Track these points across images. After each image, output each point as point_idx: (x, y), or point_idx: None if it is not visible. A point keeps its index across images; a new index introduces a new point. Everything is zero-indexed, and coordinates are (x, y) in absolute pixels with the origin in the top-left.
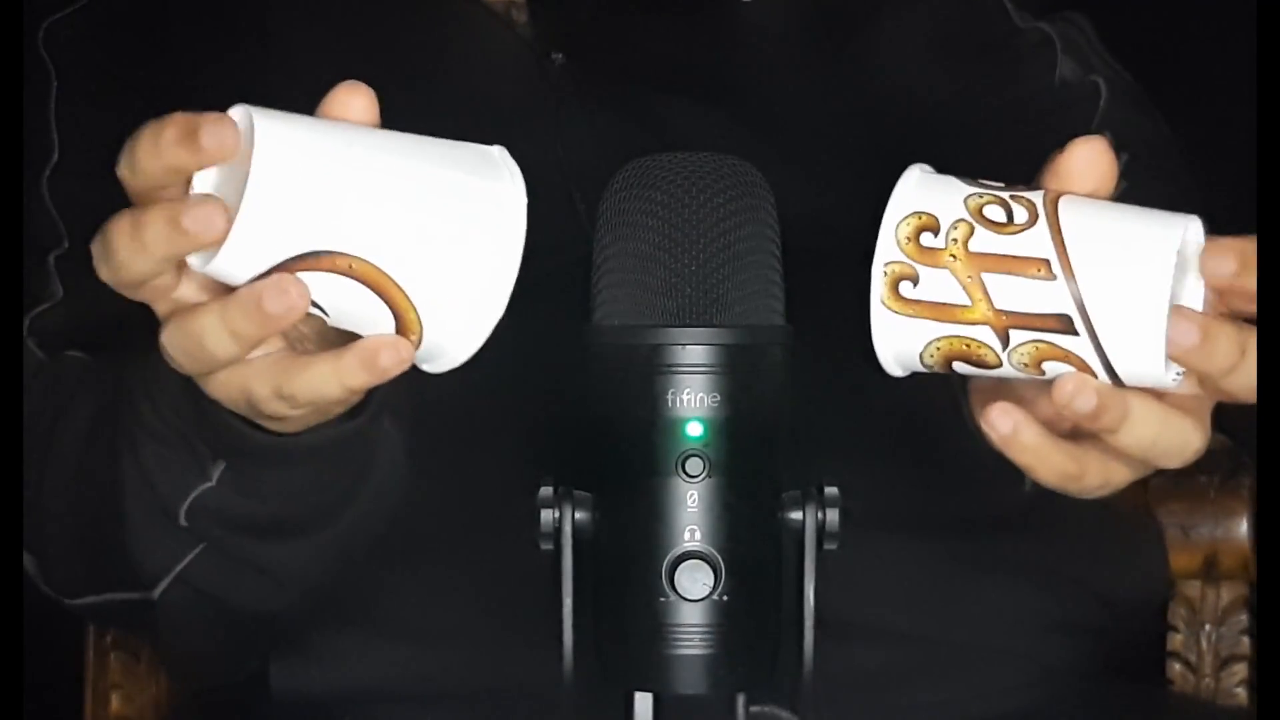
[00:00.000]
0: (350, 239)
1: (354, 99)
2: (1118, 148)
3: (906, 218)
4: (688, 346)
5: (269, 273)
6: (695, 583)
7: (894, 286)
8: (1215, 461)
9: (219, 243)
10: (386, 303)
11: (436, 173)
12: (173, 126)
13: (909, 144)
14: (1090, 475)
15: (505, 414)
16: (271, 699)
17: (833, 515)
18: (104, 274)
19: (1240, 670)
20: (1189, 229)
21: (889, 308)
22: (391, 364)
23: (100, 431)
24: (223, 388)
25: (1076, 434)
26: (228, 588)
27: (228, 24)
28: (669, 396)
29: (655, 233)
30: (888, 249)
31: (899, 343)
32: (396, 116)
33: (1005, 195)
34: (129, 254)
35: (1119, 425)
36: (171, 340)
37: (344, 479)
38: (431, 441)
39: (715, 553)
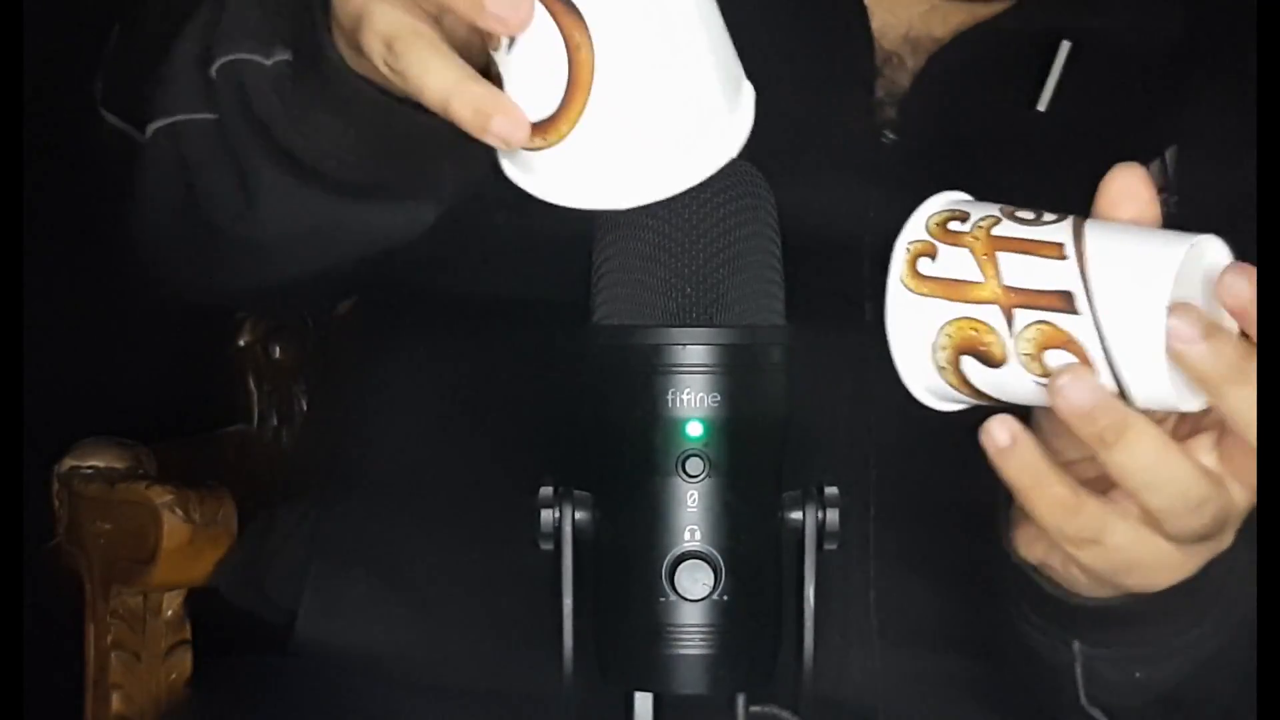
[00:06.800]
0: (600, 10)
1: None
2: None
3: (941, 210)
4: (688, 346)
5: None
6: (695, 583)
7: (913, 263)
8: None
9: None
10: (571, 70)
11: (717, 36)
12: None
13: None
14: (1086, 515)
15: (506, 414)
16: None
17: (833, 515)
18: None
19: None
20: (1211, 245)
21: (906, 285)
22: (502, 132)
23: None
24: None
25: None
26: (206, 172)
27: None
28: (669, 396)
29: (655, 233)
30: (915, 230)
31: (912, 329)
32: None
33: (1039, 210)
34: None
35: (1115, 438)
36: None
37: (377, 163)
38: (431, 442)
39: (715, 553)
